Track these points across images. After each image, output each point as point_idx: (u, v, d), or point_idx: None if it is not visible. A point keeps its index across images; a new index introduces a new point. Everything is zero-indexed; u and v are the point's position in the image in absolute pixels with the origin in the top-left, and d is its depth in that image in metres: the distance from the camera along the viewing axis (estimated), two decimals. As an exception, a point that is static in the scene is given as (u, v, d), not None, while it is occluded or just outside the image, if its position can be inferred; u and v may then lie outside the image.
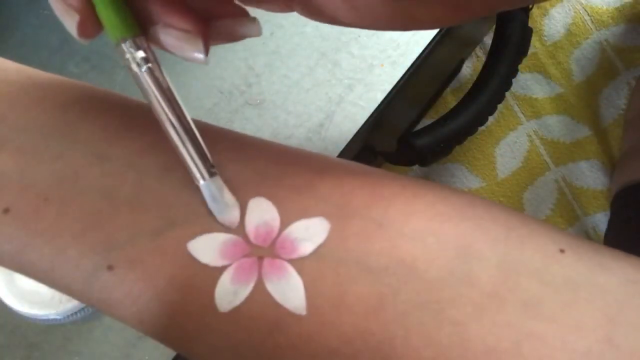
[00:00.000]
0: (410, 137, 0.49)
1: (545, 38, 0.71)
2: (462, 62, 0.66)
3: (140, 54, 0.19)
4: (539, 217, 0.72)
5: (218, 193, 0.20)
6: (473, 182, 0.70)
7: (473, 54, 0.70)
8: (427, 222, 0.20)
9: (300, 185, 0.21)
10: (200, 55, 0.19)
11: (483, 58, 0.69)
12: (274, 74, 0.38)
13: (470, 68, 0.70)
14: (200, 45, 0.19)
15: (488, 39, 0.69)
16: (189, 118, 0.20)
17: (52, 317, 0.32)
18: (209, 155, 0.20)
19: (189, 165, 0.20)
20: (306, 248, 0.19)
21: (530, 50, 0.69)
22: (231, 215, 0.20)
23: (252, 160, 0.21)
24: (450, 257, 0.19)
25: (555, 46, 0.71)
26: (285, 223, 0.20)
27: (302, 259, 0.19)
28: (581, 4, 0.71)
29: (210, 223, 0.20)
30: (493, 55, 0.52)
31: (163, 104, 0.20)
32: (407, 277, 0.19)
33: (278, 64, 0.38)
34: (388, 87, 0.37)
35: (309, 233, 0.20)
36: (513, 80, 0.53)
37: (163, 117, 0.20)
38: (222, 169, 0.20)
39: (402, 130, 0.55)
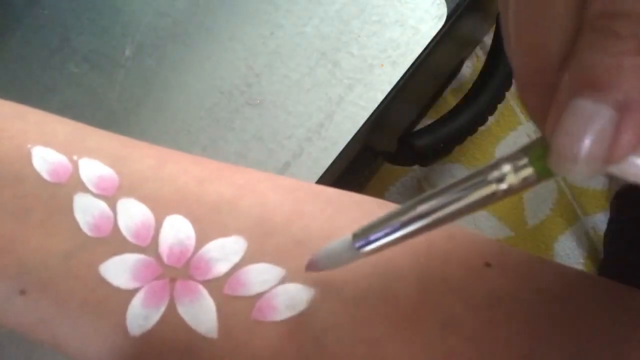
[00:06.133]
0: (410, 137, 0.49)
1: (545, 38, 0.71)
2: (462, 62, 0.66)
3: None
4: (539, 217, 0.72)
5: (341, 260, 0.18)
6: (473, 182, 0.70)
7: (473, 54, 0.70)
8: None
9: (221, 203, 0.20)
10: None
11: (483, 58, 0.69)
12: (274, 74, 0.38)
13: (470, 68, 0.70)
14: None
15: (488, 39, 0.69)
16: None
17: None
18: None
19: (376, 230, 0.17)
20: (221, 268, 0.19)
21: (530, 50, 0.69)
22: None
23: (174, 178, 0.21)
24: (369, 274, 0.18)
25: (555, 46, 0.71)
26: (201, 242, 0.19)
27: (217, 279, 0.19)
28: (581, 4, 0.71)
29: (122, 244, 0.19)
30: (493, 55, 0.52)
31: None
32: (324, 295, 0.18)
33: (278, 64, 0.38)
34: (388, 87, 0.37)
35: (225, 252, 0.19)
36: (513, 80, 0.53)
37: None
38: (141, 187, 0.20)
39: (402, 130, 0.55)
